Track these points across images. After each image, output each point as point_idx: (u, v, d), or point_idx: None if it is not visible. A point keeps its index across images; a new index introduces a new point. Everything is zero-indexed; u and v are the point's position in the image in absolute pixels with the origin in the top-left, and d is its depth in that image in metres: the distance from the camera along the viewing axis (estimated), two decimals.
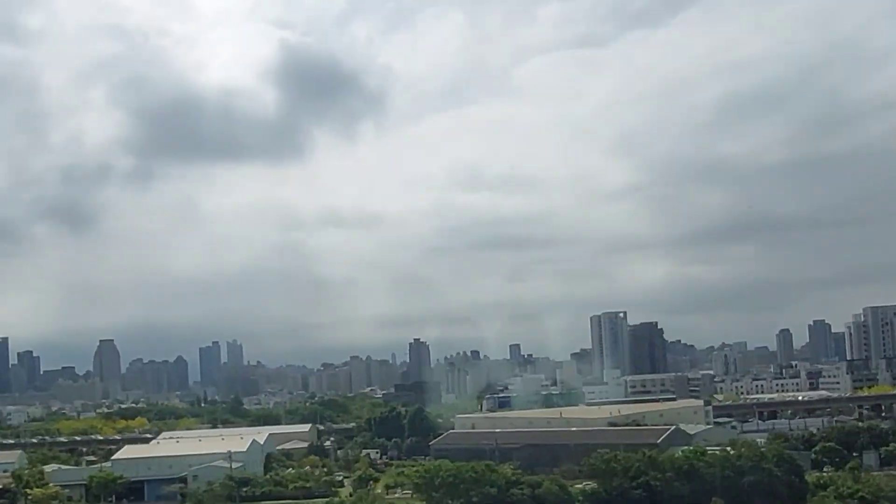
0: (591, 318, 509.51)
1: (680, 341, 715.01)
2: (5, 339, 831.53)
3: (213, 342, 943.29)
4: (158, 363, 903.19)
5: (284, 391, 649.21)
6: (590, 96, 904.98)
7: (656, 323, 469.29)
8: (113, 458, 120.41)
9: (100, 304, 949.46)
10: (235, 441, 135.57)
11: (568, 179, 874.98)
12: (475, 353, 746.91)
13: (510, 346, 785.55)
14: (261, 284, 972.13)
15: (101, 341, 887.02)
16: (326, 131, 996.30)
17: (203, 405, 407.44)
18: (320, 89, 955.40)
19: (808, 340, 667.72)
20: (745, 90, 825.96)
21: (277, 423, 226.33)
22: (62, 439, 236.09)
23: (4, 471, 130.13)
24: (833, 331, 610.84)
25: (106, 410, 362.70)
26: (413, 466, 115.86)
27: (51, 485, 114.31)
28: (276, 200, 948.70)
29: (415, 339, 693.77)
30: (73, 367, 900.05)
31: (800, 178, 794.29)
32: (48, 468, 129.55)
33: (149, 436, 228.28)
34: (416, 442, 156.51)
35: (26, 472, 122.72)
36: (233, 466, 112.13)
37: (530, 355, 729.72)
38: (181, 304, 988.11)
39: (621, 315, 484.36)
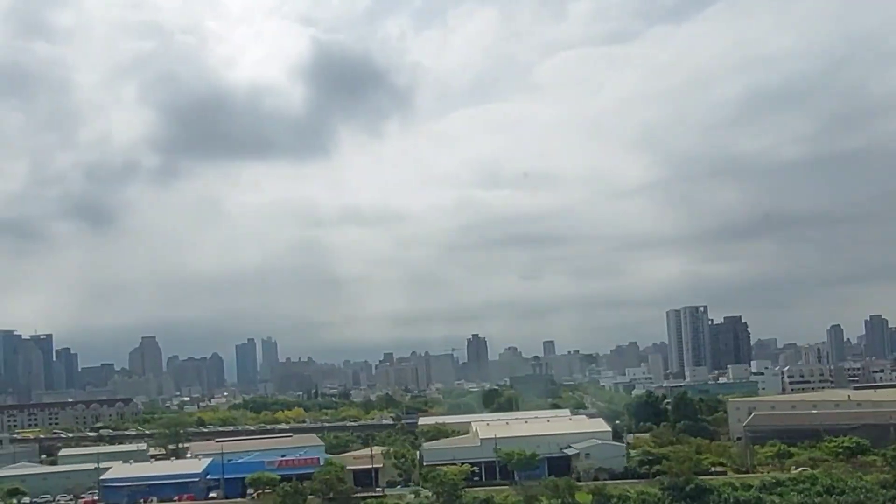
0: (667, 313, 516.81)
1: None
2: (49, 336, 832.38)
3: (249, 339, 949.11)
4: (197, 360, 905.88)
5: (345, 386, 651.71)
6: (611, 93, 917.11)
7: (740, 317, 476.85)
8: (482, 437, 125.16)
9: (121, 302, 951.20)
10: (564, 423, 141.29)
11: (587, 176, 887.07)
12: (549, 346, 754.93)
13: (544, 343, 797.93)
14: (282, 282, 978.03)
15: (143, 338, 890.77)
16: (352, 129, 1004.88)
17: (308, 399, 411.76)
18: (348, 87, 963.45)
19: (858, 335, 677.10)
20: (767, 86, 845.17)
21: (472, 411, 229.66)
22: (250, 427, 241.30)
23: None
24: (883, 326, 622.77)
25: (234, 402, 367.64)
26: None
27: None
28: (299, 198, 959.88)
29: (473, 335, 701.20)
30: (112, 364, 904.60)
31: (818, 175, 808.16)
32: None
33: (352, 423, 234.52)
34: (689, 425, 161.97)
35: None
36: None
37: (576, 351, 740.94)
38: (203, 301, 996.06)
39: (702, 310, 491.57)
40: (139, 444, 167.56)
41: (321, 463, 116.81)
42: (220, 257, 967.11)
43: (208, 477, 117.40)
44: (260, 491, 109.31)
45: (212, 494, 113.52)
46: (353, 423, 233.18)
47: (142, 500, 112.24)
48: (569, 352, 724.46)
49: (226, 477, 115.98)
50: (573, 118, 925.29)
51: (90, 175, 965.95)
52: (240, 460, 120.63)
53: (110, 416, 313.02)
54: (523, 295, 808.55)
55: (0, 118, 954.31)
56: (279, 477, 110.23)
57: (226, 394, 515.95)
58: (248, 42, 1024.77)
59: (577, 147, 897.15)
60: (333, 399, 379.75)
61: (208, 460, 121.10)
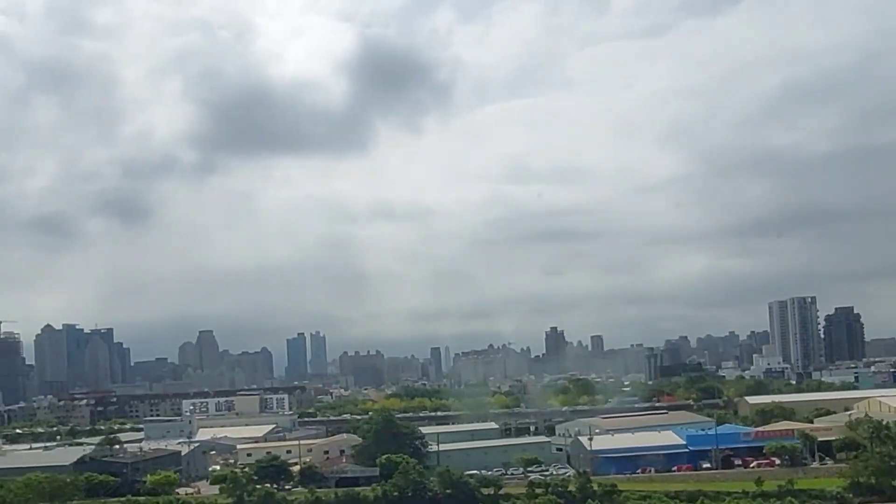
0: (770, 304, 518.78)
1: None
2: (110, 330, 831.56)
3: (299, 333, 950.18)
4: (252, 354, 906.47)
5: (414, 379, 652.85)
6: (642, 87, 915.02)
7: (852, 308, 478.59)
8: None
9: (155, 298, 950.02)
10: None
11: (616, 171, 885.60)
12: (597, 340, 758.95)
13: (591, 337, 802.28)
14: (313, 278, 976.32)
15: (200, 332, 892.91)
16: (390, 124, 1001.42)
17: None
18: (388, 82, 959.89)
19: None
20: (801, 80, 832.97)
21: None
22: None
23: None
24: None
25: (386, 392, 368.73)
26: None
27: None
28: (332, 194, 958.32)
29: (552, 328, 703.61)
30: (166, 358, 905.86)
31: (849, 169, 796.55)
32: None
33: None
34: None
35: None
36: None
37: (639, 345, 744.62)
38: (234, 297, 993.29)
39: (809, 300, 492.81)
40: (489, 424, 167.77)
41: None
42: (252, 253, 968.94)
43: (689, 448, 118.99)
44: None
45: (705, 465, 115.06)
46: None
47: (639, 471, 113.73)
48: (631, 345, 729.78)
49: (700, 448, 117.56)
50: (605, 112, 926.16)
51: (127, 171, 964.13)
52: (709, 432, 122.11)
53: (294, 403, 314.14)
54: (548, 290, 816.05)
55: (43, 114, 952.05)
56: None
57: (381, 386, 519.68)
58: (286, 37, 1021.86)
59: (608, 142, 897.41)
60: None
61: (684, 433, 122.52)
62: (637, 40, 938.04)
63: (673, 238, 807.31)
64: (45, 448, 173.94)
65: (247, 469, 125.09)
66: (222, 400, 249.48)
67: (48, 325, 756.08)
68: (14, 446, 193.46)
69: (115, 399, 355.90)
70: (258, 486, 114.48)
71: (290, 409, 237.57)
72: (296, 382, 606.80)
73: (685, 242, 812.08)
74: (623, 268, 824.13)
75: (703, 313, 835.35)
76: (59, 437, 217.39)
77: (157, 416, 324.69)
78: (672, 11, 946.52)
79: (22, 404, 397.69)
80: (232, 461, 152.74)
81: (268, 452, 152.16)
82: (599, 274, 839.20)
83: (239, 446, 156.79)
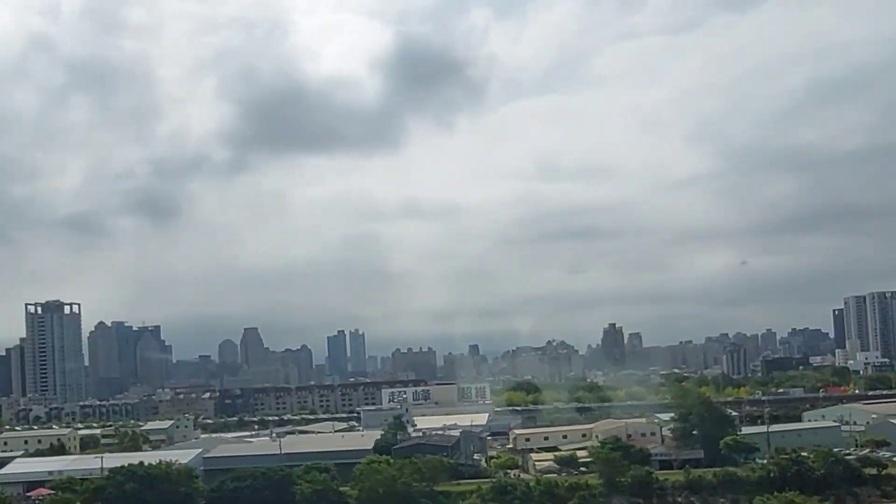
0: (846, 300, 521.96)
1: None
2: (157, 327, 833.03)
3: (339, 331, 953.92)
4: (294, 351, 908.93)
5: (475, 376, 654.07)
6: (670, 83, 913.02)
7: None
8: None
9: (182, 295, 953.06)
10: None
11: (644, 168, 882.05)
12: (635, 337, 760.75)
13: (630, 334, 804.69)
14: (339, 276, 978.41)
15: (245, 329, 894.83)
16: (422, 122, 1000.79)
17: None
18: (422, 79, 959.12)
19: None
20: (830, 76, 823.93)
21: None
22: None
23: None
24: None
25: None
26: None
27: None
28: (361, 192, 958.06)
29: (610, 325, 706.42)
30: (209, 356, 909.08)
31: (878, 166, 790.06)
32: None
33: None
34: None
35: None
36: None
37: (688, 342, 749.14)
38: (261, 295, 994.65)
39: (889, 295, 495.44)
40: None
41: None
42: (280, 251, 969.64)
43: None
44: None
45: None
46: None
47: None
48: (681, 342, 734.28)
49: None
50: (634, 109, 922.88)
51: (158, 170, 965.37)
52: None
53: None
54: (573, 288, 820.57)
55: (77, 114, 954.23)
56: None
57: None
58: (319, 35, 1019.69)
59: (635, 139, 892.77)
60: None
61: None
62: (667, 36, 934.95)
63: (697, 236, 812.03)
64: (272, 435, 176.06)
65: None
66: (419, 389, 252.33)
67: (101, 323, 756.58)
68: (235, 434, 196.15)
69: (238, 392, 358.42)
70: (630, 467, 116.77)
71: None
72: (357, 378, 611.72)
73: (709, 240, 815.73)
74: (648, 266, 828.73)
75: (721, 312, 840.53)
76: (256, 427, 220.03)
77: (283, 408, 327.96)
78: (703, 7, 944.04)
79: (126, 398, 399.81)
80: (510, 446, 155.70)
81: (546, 438, 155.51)
82: (625, 272, 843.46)
83: (516, 431, 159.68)
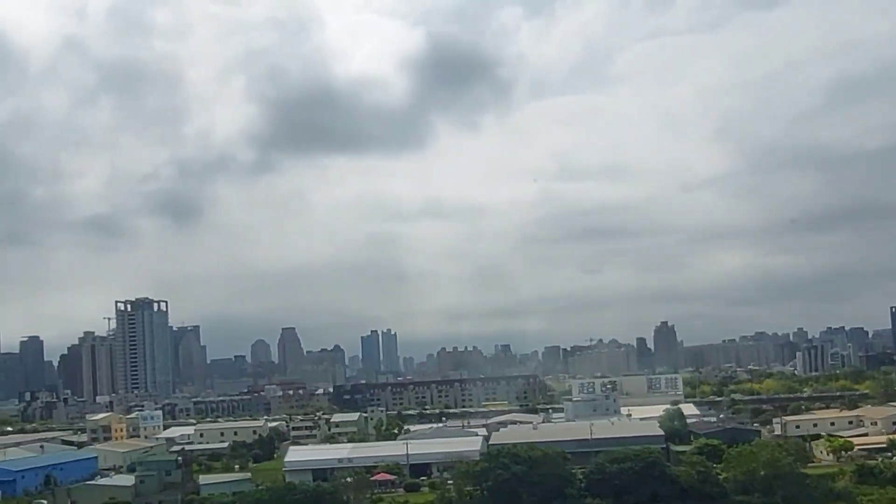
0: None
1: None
2: (196, 327, 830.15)
3: (372, 331, 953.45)
4: (328, 351, 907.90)
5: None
6: (695, 82, 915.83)
7: None
8: None
9: (203, 296, 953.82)
10: None
11: (666, 167, 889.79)
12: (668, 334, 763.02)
13: (656, 331, 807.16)
14: (358, 276, 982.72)
15: (282, 329, 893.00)
16: (448, 122, 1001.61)
17: None
18: (448, 79, 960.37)
19: None
20: (855, 74, 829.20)
21: None
22: None
23: None
24: None
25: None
26: None
27: None
28: (385, 192, 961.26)
29: (662, 322, 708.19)
30: (244, 356, 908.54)
31: None
32: None
33: None
34: None
35: None
36: None
37: (731, 340, 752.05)
38: (284, 296, 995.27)
39: None
40: None
41: None
42: (302, 252, 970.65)
43: None
44: None
45: None
46: None
47: None
48: (724, 341, 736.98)
49: None
50: (656, 108, 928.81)
51: (183, 170, 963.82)
52: None
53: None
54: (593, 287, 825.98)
55: (104, 115, 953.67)
56: None
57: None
58: (345, 36, 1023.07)
59: (657, 138, 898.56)
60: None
61: None
62: (692, 35, 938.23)
63: (717, 235, 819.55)
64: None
65: None
66: (606, 380, 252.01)
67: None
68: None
69: (349, 388, 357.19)
70: None
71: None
72: (403, 378, 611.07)
73: (728, 239, 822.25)
74: (665, 266, 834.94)
75: (735, 312, 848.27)
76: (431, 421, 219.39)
77: (401, 404, 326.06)
78: (730, 5, 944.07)
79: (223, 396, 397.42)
80: (777, 433, 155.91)
81: (815, 424, 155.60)
82: (646, 271, 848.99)
83: (786, 418, 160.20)
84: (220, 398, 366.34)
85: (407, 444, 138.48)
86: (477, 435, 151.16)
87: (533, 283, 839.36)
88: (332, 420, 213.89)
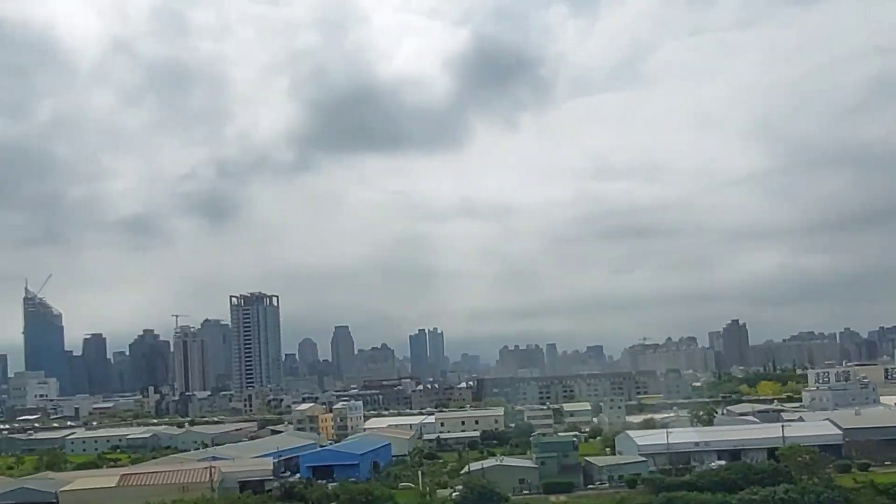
0: None
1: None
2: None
3: (420, 330, 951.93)
4: (378, 349, 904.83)
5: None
6: (733, 80, 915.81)
7: None
8: None
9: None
10: None
11: (702, 165, 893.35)
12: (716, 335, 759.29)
13: (710, 333, 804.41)
14: (397, 275, 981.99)
15: (336, 327, 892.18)
16: (487, 121, 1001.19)
17: None
18: (489, 79, 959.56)
19: None
20: (893, 72, 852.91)
21: None
22: None
23: None
24: None
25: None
26: None
27: None
28: (421, 191, 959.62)
29: (732, 321, 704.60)
30: (293, 354, 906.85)
31: None
32: None
33: None
34: None
35: None
36: None
37: (786, 339, 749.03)
38: (320, 294, 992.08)
39: None
40: None
41: None
42: (336, 251, 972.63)
43: None
44: None
45: None
46: None
47: None
48: (775, 340, 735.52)
49: None
50: (693, 106, 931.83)
51: (222, 171, 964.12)
52: None
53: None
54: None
55: (147, 116, 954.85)
56: None
57: None
58: (388, 36, 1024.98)
59: (694, 136, 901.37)
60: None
61: None
62: (731, 32, 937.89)
63: (749, 234, 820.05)
64: None
65: None
66: (844, 370, 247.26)
67: (207, 320, 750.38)
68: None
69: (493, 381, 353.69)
70: None
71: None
72: (469, 376, 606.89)
73: (761, 239, 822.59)
74: (697, 265, 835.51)
75: (763, 312, 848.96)
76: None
77: (524, 398, 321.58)
78: (772, 1, 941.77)
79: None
80: None
81: None
82: (681, 270, 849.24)
83: None
84: (362, 391, 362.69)
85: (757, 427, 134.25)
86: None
87: (568, 283, 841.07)
88: (564, 409, 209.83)
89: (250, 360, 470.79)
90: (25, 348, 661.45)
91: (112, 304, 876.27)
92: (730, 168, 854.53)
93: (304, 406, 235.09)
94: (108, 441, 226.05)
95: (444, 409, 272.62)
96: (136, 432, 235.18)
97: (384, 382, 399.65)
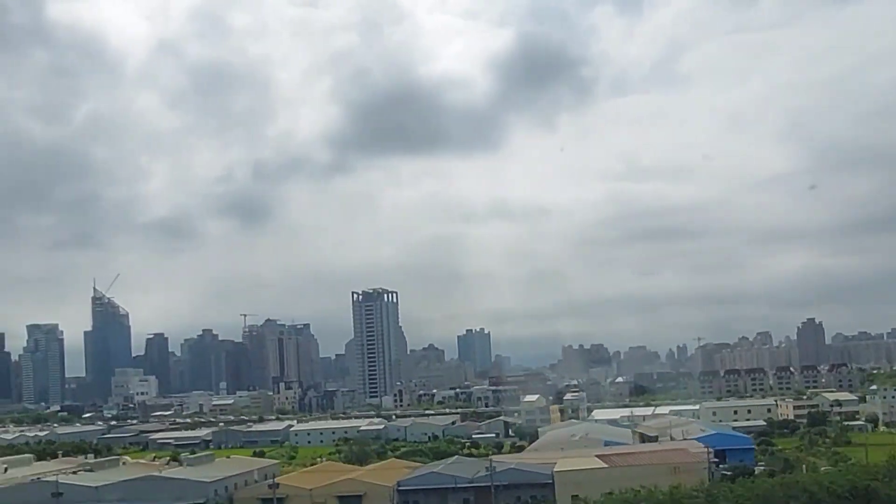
0: None
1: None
2: (307, 325, 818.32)
3: (467, 330, 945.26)
4: (427, 349, 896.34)
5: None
6: (765, 80, 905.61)
7: None
8: None
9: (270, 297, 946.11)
10: None
11: (734, 167, 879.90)
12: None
13: (758, 332, 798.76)
14: (423, 278, 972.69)
15: None
16: (525, 122, 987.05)
17: None
18: (528, 80, 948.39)
19: None
20: None
21: None
22: None
23: None
24: None
25: None
26: None
27: None
28: (456, 193, 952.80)
29: (809, 319, 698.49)
30: (343, 353, 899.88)
31: None
32: None
33: None
34: None
35: None
36: None
37: (857, 334, 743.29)
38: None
39: None
40: None
41: None
42: (368, 252, 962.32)
43: None
44: None
45: None
46: None
47: None
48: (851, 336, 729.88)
49: None
50: (726, 107, 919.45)
51: (259, 173, 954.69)
52: None
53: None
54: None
55: (183, 118, 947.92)
56: None
57: None
58: (424, 36, 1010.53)
59: (726, 137, 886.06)
60: None
61: None
62: (769, 31, 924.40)
63: (778, 236, 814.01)
64: None
65: None
66: None
67: (269, 320, 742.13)
68: None
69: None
70: None
71: None
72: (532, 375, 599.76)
73: (789, 240, 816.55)
74: (735, 266, 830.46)
75: (785, 314, 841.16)
76: None
77: (710, 392, 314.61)
78: (810, 2, 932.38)
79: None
80: None
81: None
82: (708, 272, 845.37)
83: None
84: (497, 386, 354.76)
85: None
86: None
87: (597, 284, 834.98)
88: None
89: (373, 356, 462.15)
90: (93, 348, 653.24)
91: (163, 305, 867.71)
92: (763, 168, 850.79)
93: (532, 397, 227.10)
94: (333, 433, 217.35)
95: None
96: (360, 424, 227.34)
97: (509, 378, 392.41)
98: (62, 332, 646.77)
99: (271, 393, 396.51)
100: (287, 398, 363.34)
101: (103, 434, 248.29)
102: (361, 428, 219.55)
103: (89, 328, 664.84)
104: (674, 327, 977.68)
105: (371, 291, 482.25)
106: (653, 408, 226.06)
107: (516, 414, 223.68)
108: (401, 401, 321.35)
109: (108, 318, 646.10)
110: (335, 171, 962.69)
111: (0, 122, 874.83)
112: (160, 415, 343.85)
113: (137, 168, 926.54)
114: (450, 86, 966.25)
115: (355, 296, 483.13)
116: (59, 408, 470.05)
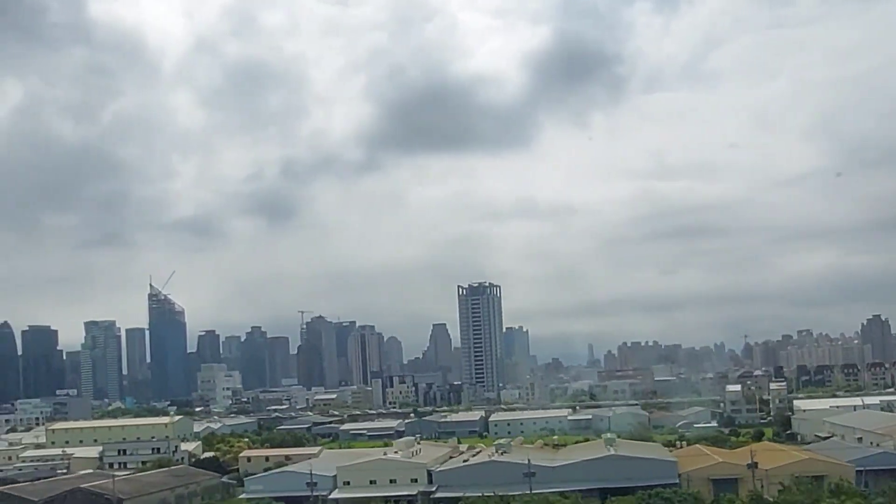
0: None
1: None
2: (353, 323, 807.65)
3: (507, 328, 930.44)
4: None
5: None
6: (795, 77, 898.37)
7: None
8: None
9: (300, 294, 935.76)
10: None
11: (761, 164, 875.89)
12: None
13: (794, 332, 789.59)
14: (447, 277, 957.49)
15: (434, 325, 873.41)
16: (557, 120, 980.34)
17: None
18: (562, 77, 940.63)
19: None
20: None
21: None
22: None
23: None
24: None
25: None
26: None
27: None
28: (484, 191, 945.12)
29: (874, 315, 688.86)
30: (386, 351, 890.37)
31: None
32: None
33: None
34: None
35: None
36: None
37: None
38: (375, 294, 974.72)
39: None
40: None
41: None
42: (394, 250, 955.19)
43: None
44: None
45: None
46: None
47: None
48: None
49: None
50: (755, 104, 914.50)
51: (286, 171, 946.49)
52: None
53: None
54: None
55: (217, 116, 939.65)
56: None
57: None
58: (457, 34, 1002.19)
59: (754, 134, 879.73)
60: None
61: None
62: (799, 28, 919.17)
63: (803, 234, 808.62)
64: None
65: None
66: None
67: (320, 317, 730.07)
68: None
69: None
70: None
71: None
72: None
73: (814, 239, 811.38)
74: (746, 265, 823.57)
75: (802, 313, 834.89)
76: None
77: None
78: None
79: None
80: None
81: None
82: (734, 270, 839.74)
83: None
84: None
85: None
86: None
87: (624, 282, 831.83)
88: None
89: (480, 352, 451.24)
90: (151, 344, 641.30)
91: (205, 302, 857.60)
92: (790, 166, 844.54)
93: (734, 387, 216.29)
94: (534, 423, 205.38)
95: None
96: (560, 415, 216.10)
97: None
98: (119, 328, 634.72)
99: (369, 388, 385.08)
100: (401, 392, 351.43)
101: (275, 427, 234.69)
102: (570, 418, 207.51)
103: (143, 325, 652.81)
104: (712, 326, 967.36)
105: (478, 285, 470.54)
106: (860, 398, 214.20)
107: (722, 405, 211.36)
108: (532, 393, 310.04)
109: (164, 315, 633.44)
110: (364, 169, 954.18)
111: (41, 120, 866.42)
112: (273, 408, 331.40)
113: (170, 167, 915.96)
114: (481, 84, 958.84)
115: (461, 290, 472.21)
116: (119, 404, 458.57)
